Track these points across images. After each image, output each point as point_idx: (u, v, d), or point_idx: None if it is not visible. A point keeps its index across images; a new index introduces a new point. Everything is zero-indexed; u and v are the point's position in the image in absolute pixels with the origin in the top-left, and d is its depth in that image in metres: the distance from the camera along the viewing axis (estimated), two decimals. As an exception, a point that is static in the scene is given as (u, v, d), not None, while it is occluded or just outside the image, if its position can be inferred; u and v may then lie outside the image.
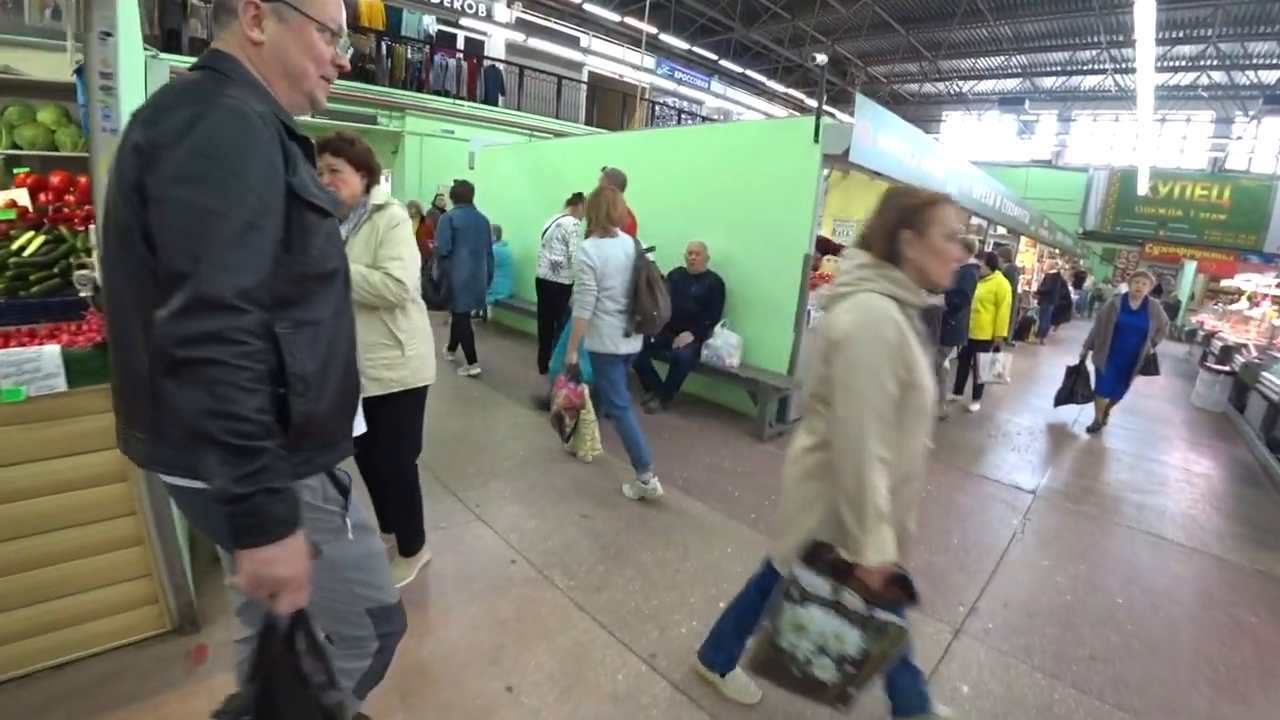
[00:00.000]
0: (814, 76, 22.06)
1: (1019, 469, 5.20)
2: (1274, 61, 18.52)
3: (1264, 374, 6.62)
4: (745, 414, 5.62)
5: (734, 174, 5.66)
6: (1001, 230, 11.07)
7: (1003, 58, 21.75)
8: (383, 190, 2.55)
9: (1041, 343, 12.67)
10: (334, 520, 1.36)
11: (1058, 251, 15.10)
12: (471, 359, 6.46)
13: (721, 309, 5.61)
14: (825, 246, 6.69)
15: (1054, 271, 12.83)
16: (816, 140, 4.98)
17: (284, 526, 1.07)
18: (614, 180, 5.03)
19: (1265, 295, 10.20)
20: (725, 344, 5.41)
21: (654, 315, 3.62)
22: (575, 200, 6.29)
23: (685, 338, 5.49)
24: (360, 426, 1.51)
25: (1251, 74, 19.22)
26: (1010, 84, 22.82)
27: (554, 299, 6.34)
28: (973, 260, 5.96)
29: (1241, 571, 3.87)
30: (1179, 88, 21.11)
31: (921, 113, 25.57)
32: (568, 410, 3.78)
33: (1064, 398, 6.56)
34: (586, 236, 3.65)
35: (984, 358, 6.40)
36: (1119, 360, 6.14)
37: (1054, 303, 12.52)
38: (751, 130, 6.02)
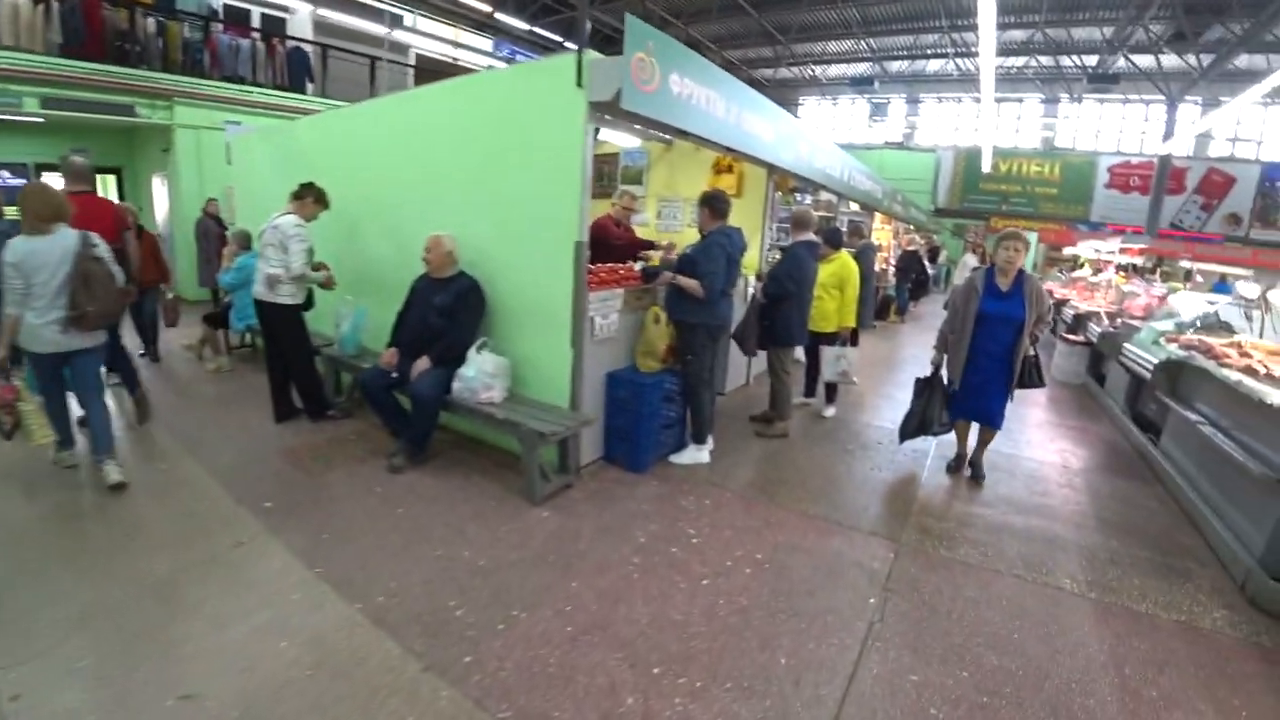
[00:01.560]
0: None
1: (878, 503, 3.98)
2: (1094, 46, 19.29)
3: (1126, 345, 5.88)
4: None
5: (488, 140, 4.08)
6: (855, 206, 10.20)
7: (852, 41, 21.56)
8: None
9: (902, 320, 12.06)
10: None
11: (913, 228, 14.73)
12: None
13: (477, 324, 4.02)
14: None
15: (912, 249, 12.28)
16: (580, 84, 3.47)
17: None
18: (73, 171, 4.45)
19: (1108, 262, 9.95)
20: (479, 373, 3.81)
21: (89, 311, 3.33)
22: (302, 193, 4.52)
23: (421, 365, 3.88)
24: None
25: (1075, 58, 19.96)
26: (861, 68, 22.72)
27: (275, 326, 4.55)
28: (808, 237, 4.71)
29: (1161, 630, 2.76)
30: (1011, 70, 21.72)
31: (778, 97, 25.12)
32: (3, 409, 3.46)
33: (914, 428, 4.42)
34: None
35: (828, 352, 5.20)
36: (986, 366, 4.06)
37: (909, 281, 11.94)
38: (504, 81, 4.33)
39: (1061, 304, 9.96)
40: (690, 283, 3.91)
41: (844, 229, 7.35)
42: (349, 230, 5.23)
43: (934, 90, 24.07)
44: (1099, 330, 7.25)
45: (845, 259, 5.13)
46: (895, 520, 3.69)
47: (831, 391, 5.48)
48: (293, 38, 13.13)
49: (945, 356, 4.30)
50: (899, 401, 6.11)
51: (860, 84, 19.44)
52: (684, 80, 3.72)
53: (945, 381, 4.31)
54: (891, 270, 11.85)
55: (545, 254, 3.78)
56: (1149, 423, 5.50)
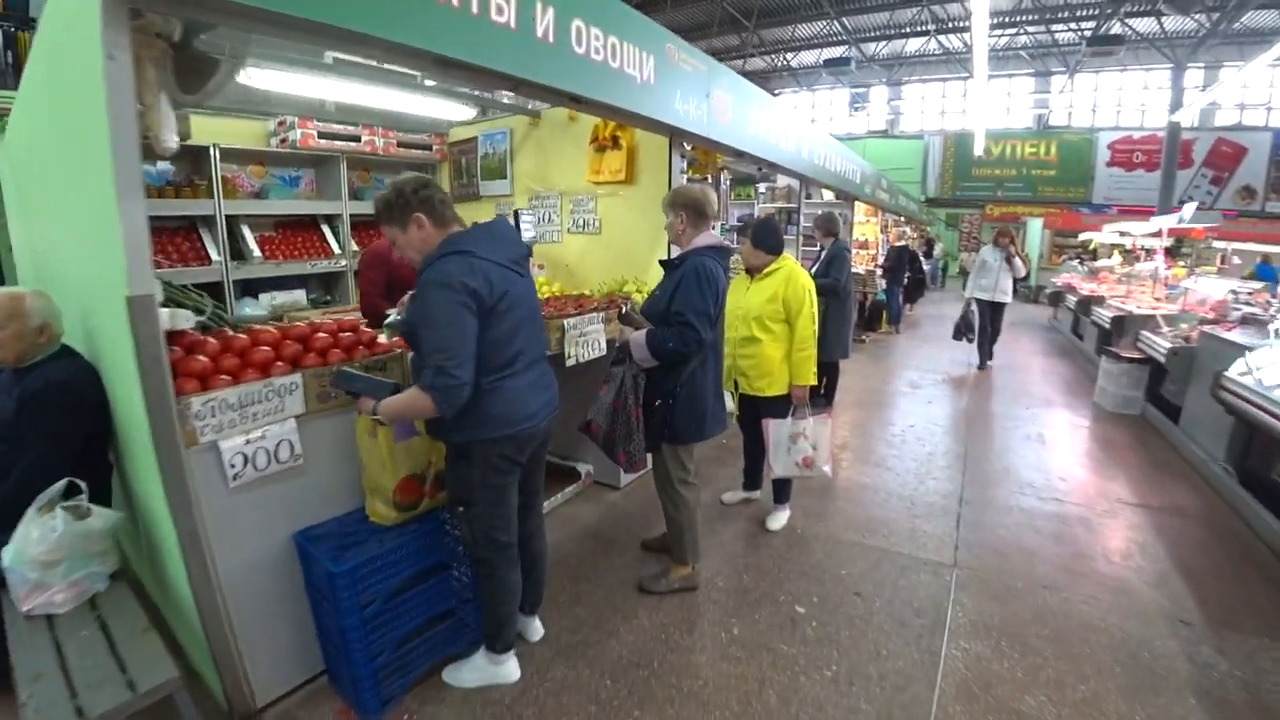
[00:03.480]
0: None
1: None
2: (1088, 10, 17.20)
3: (1226, 375, 3.77)
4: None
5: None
6: (828, 195, 8.11)
7: (824, 23, 19.51)
8: None
9: (896, 331, 9.94)
10: None
11: (903, 220, 12.62)
12: None
13: (55, 451, 1.98)
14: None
15: (900, 244, 10.16)
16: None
17: None
18: None
19: (1152, 251, 7.74)
20: (21, 557, 1.77)
21: None
22: None
23: None
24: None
25: (1071, 28, 17.86)
26: (837, 52, 20.66)
27: None
28: (709, 237, 2.59)
29: None
30: (999, 46, 19.65)
31: (754, 91, 23.12)
32: None
33: None
34: None
35: (776, 430, 3.10)
36: None
37: (900, 282, 9.81)
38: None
39: (1089, 303, 7.83)
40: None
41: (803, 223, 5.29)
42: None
43: (916, 72, 21.99)
44: (1164, 344, 5.13)
45: (791, 270, 3.02)
46: None
47: (784, 488, 3.37)
48: None
49: None
50: (899, 478, 3.99)
51: (836, 66, 17.34)
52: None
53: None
54: (879, 272, 9.74)
55: (88, 314, 1.71)
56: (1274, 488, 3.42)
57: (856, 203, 8.66)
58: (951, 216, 21.82)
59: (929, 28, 19.18)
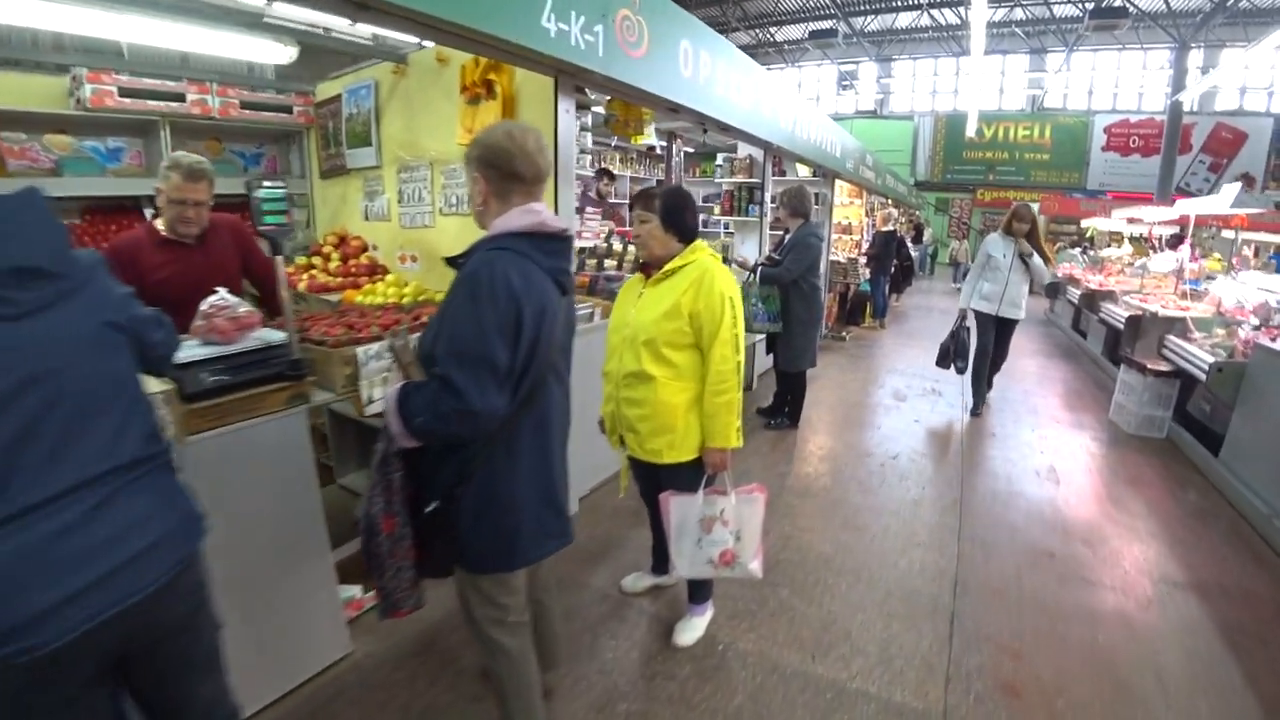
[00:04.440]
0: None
1: None
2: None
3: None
4: None
5: None
6: (805, 171, 6.98)
7: (811, -6, 18.24)
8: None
9: (881, 326, 8.88)
10: None
11: (890, 202, 11.50)
12: None
13: None
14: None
15: (888, 229, 9.05)
16: None
17: None
18: None
19: (1175, 238, 6.65)
20: None
21: None
22: None
23: None
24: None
25: (1067, 6, 16.68)
26: (825, 26, 19.37)
27: None
28: (527, 223, 1.35)
29: None
30: (993, 22, 18.42)
31: (739, 68, 21.76)
32: None
33: None
34: None
35: (680, 511, 2.01)
36: None
37: (887, 272, 8.70)
38: None
39: (1096, 299, 6.79)
40: None
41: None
42: None
43: (907, 50, 20.72)
44: (1202, 355, 4.10)
45: (704, 269, 1.90)
46: None
47: (701, 589, 2.30)
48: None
49: None
50: (872, 546, 2.87)
51: (822, 38, 16.07)
52: None
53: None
54: (863, 261, 8.65)
55: None
56: None
57: (838, 181, 7.54)
58: (941, 201, 20.75)
59: (921, 1, 17.94)
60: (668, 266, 1.94)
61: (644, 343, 1.90)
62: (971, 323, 5.03)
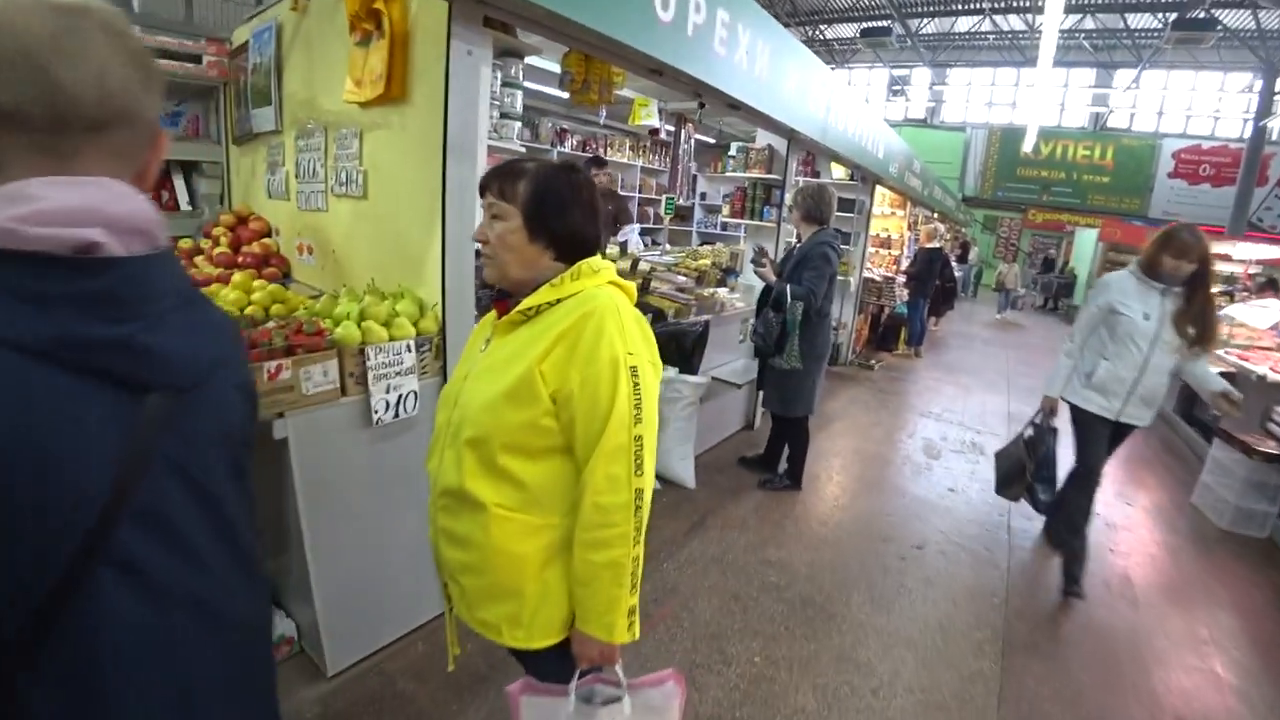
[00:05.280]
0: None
1: None
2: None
3: None
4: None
5: None
6: (840, 174, 5.99)
7: (866, -8, 17.02)
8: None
9: (917, 354, 7.82)
10: None
11: (936, 215, 10.36)
12: None
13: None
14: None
15: (933, 245, 7.90)
16: None
17: None
18: None
19: (1269, 282, 5.49)
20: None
21: None
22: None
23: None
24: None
25: (1147, 15, 15.18)
26: (879, 25, 18.14)
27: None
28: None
29: None
30: (1060, 32, 16.98)
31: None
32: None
33: None
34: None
35: (533, 713, 1.13)
36: None
37: (926, 295, 7.62)
38: None
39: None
40: None
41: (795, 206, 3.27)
42: None
43: (964, 56, 19.34)
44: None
45: (591, 307, 1.01)
46: None
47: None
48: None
49: None
50: None
51: (874, 36, 14.89)
52: None
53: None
54: (901, 280, 7.62)
55: None
56: None
57: (878, 189, 6.53)
58: (990, 219, 19.37)
59: (984, 4, 16.58)
60: (528, 301, 1.05)
61: (468, 441, 1.02)
62: (1049, 422, 2.96)
